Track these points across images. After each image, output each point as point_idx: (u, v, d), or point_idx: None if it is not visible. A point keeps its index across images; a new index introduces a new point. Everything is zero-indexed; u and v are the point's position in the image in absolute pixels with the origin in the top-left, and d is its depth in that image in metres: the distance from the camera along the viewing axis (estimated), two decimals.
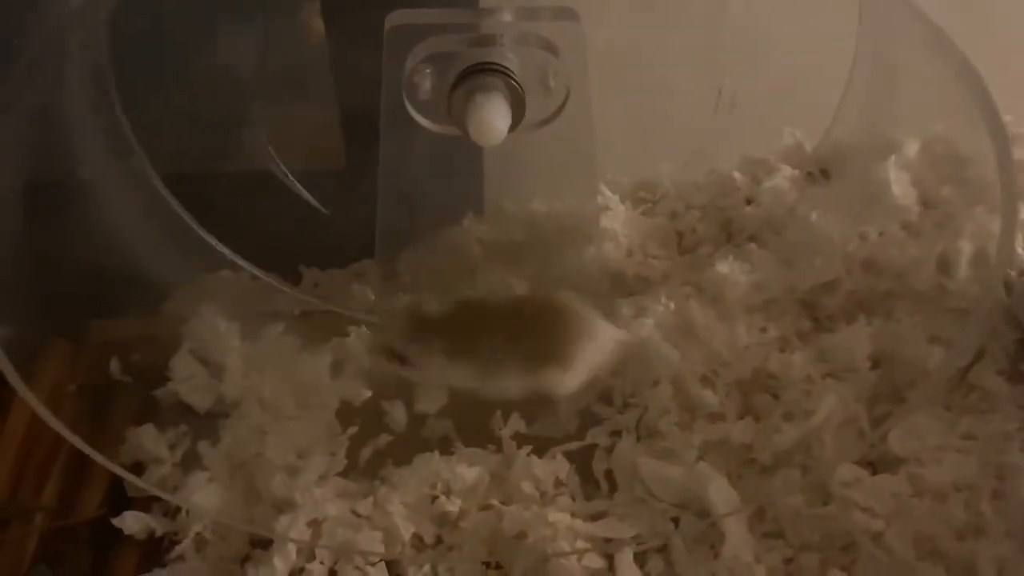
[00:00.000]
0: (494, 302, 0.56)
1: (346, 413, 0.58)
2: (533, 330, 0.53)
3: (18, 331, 0.47)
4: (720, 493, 0.51)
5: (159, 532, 0.53)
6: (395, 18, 0.50)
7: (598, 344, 0.54)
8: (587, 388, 0.55)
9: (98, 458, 0.47)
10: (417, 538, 0.52)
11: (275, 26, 0.64)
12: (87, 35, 0.54)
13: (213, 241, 0.63)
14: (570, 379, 0.53)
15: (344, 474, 0.55)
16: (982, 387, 0.56)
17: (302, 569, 0.50)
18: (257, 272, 0.65)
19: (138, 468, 0.55)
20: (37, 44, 0.42)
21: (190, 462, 0.56)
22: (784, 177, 0.68)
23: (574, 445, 0.56)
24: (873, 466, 0.53)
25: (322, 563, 0.51)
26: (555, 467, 0.55)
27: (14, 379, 0.43)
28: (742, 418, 0.56)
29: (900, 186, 0.61)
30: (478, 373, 0.52)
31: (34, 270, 0.52)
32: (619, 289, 0.65)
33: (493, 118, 0.49)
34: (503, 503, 0.53)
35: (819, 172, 0.66)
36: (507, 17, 0.50)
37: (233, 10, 0.61)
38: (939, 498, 0.51)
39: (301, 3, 0.62)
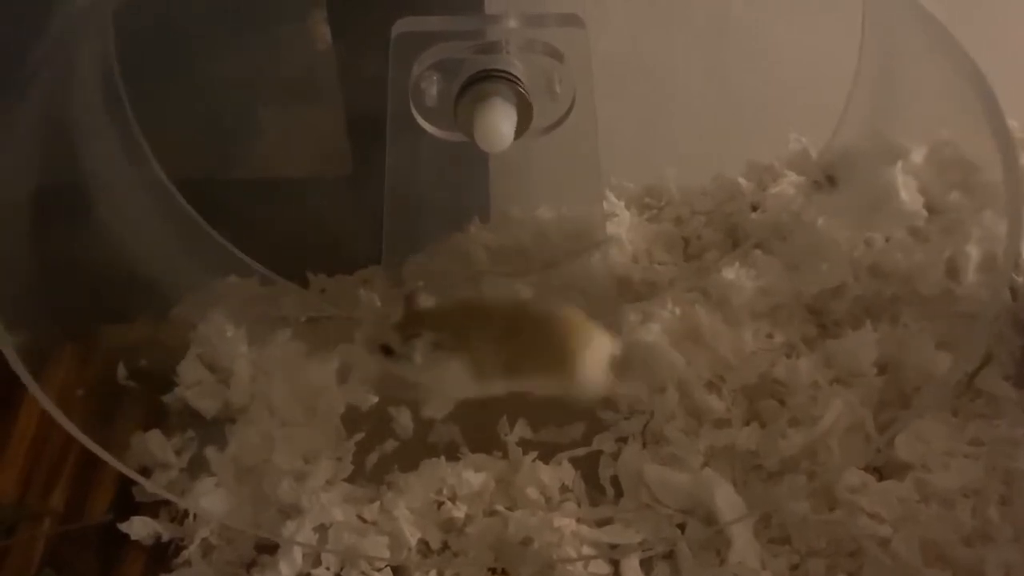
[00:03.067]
0: (491, 302, 0.56)
1: (353, 418, 0.59)
2: (529, 334, 0.53)
3: (28, 336, 0.47)
4: (726, 499, 0.51)
5: (166, 537, 0.53)
6: (402, 26, 0.50)
7: (594, 355, 0.53)
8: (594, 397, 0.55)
9: (110, 460, 0.47)
10: (423, 543, 0.52)
11: (283, 33, 0.64)
12: (96, 39, 0.55)
13: (224, 242, 0.63)
14: (571, 387, 0.53)
15: (351, 479, 0.55)
16: (989, 392, 0.56)
17: (308, 574, 0.50)
18: (266, 272, 0.65)
19: (145, 473, 0.55)
20: (44, 47, 0.42)
21: (197, 467, 0.56)
22: (790, 183, 0.68)
23: (580, 451, 0.56)
24: (880, 472, 0.53)
25: (328, 568, 0.51)
26: (561, 473, 0.55)
27: (28, 381, 0.44)
28: (748, 424, 0.56)
29: (907, 191, 0.61)
30: (467, 370, 0.52)
31: (44, 275, 0.53)
32: (625, 295, 0.65)
33: (499, 124, 0.49)
34: (509, 509, 0.53)
35: (825, 178, 0.66)
36: (513, 24, 0.51)
37: (242, 17, 0.62)
38: (946, 504, 0.50)
39: (309, 11, 0.62)
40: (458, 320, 0.53)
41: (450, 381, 0.54)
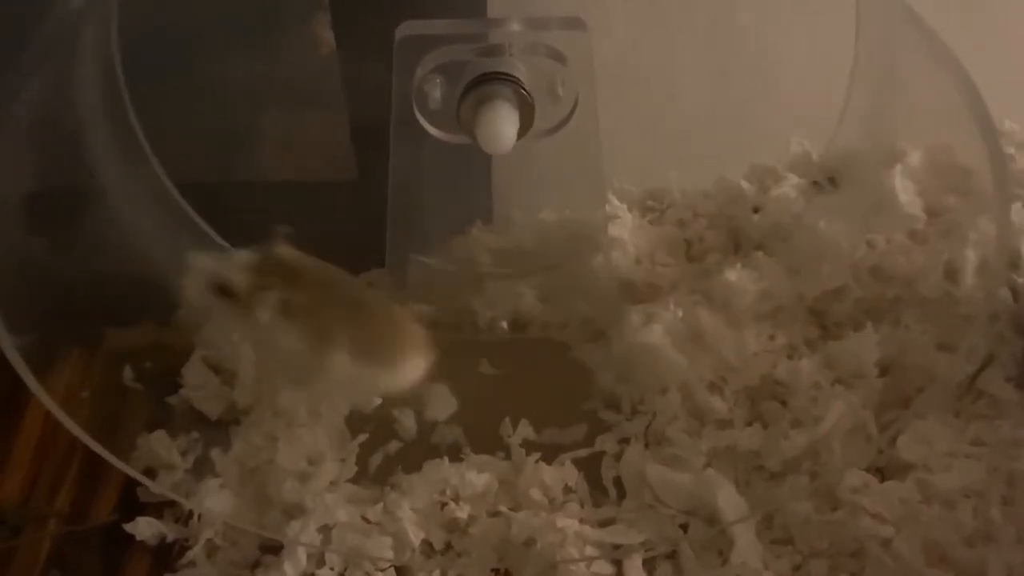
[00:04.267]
0: (343, 283, 0.51)
1: (356, 420, 0.59)
2: (367, 325, 0.50)
3: (33, 338, 0.48)
4: (728, 500, 0.51)
5: (170, 538, 0.53)
6: (405, 29, 0.51)
7: (411, 368, 0.50)
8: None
9: (115, 462, 0.47)
10: (427, 544, 0.52)
11: (287, 37, 0.64)
12: (98, 41, 0.55)
13: (226, 245, 0.63)
14: (375, 384, 0.52)
15: (354, 480, 0.56)
16: (990, 393, 0.56)
17: (312, 574, 0.50)
18: None
19: (150, 474, 0.56)
20: (40, 43, 0.43)
21: (202, 468, 0.56)
22: (791, 185, 0.68)
23: (583, 452, 0.56)
24: (882, 472, 0.53)
25: (332, 568, 0.51)
26: (564, 474, 0.55)
27: (32, 384, 0.44)
28: (750, 425, 0.56)
29: (907, 194, 0.61)
30: (305, 341, 0.47)
31: (49, 278, 0.53)
32: (628, 297, 0.65)
33: (502, 126, 0.50)
34: (512, 509, 0.53)
35: (826, 180, 0.67)
36: (516, 27, 0.51)
37: (245, 21, 0.62)
38: (948, 504, 0.51)
39: (312, 14, 0.63)
40: (312, 283, 0.48)
41: (284, 350, 0.48)
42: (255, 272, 0.46)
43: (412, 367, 0.50)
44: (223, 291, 0.46)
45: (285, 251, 0.48)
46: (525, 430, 0.57)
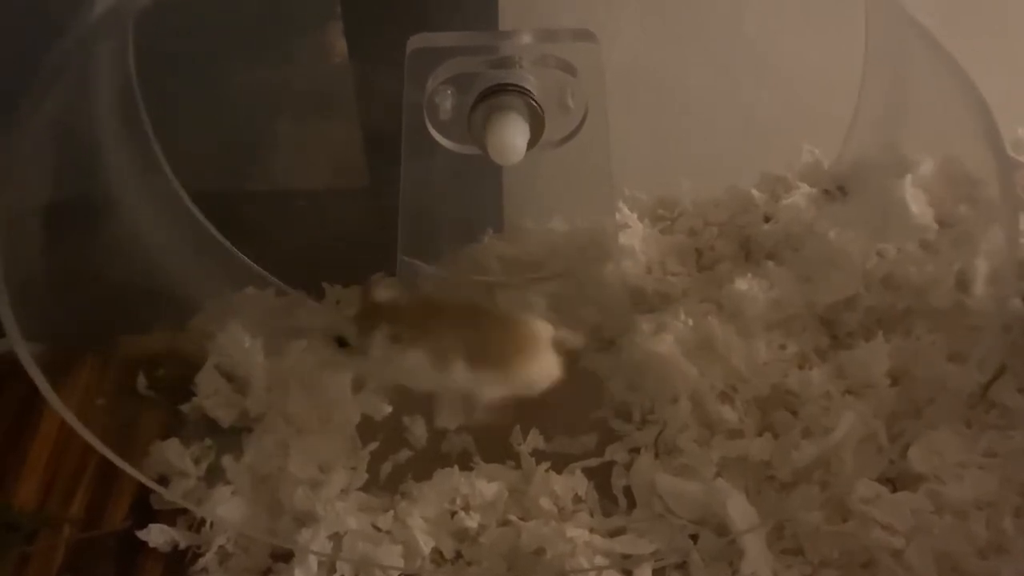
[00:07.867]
0: (449, 297, 0.57)
1: (367, 428, 0.59)
2: (483, 332, 0.54)
3: (49, 346, 0.48)
4: (739, 509, 0.51)
5: (183, 545, 0.53)
6: (416, 41, 0.51)
7: (539, 368, 0.55)
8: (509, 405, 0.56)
9: (129, 470, 0.48)
10: (437, 553, 0.53)
11: (300, 47, 0.65)
12: (115, 51, 0.55)
13: (239, 254, 0.64)
14: (499, 388, 0.54)
15: (365, 488, 0.56)
16: (1003, 404, 0.55)
17: None
18: (283, 287, 0.66)
19: (163, 481, 0.56)
20: (60, 56, 0.43)
21: (214, 476, 0.57)
22: (802, 194, 0.68)
23: (593, 461, 0.56)
24: (893, 483, 0.53)
25: None
26: (574, 483, 0.55)
27: (48, 393, 0.44)
28: (761, 434, 0.56)
29: (917, 204, 0.61)
30: (426, 359, 0.53)
31: (64, 285, 0.54)
32: (638, 306, 0.65)
33: (512, 137, 0.50)
34: (522, 519, 0.53)
35: (837, 189, 0.67)
36: (526, 39, 0.51)
37: (260, 31, 0.63)
38: (960, 515, 0.50)
39: (325, 25, 0.63)
40: (416, 312, 0.54)
41: (408, 371, 0.54)
42: (359, 319, 0.53)
43: (538, 361, 0.54)
44: (341, 342, 0.53)
45: (381, 293, 0.53)
46: (535, 439, 0.58)
